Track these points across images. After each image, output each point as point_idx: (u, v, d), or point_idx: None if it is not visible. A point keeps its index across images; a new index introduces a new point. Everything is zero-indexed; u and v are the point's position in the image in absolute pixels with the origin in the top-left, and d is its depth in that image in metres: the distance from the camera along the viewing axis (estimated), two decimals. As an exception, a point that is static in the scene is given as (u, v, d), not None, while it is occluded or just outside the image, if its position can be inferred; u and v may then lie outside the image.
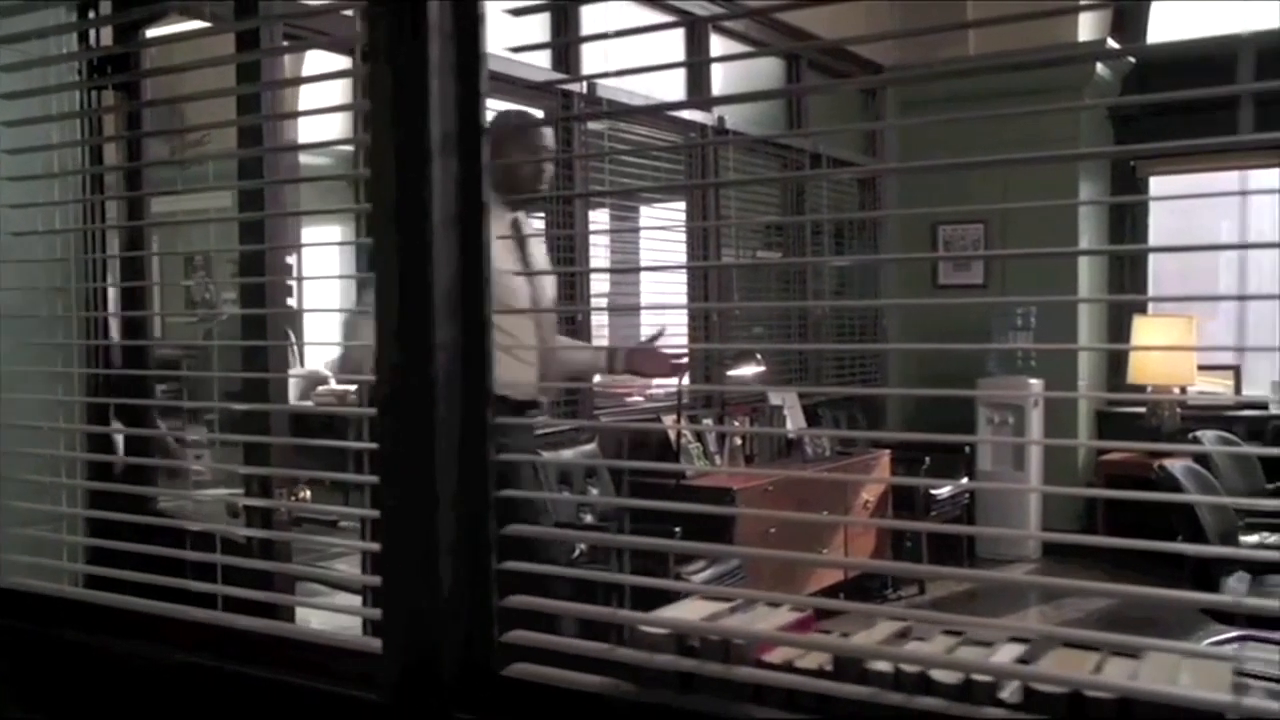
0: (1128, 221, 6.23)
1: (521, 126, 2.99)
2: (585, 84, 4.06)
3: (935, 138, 5.41)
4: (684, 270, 4.86)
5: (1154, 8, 6.16)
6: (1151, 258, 6.49)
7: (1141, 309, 6.08)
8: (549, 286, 3.06)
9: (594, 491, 3.81)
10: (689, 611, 1.32)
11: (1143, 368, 5.73)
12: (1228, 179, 6.01)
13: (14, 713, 1.66)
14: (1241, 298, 7.70)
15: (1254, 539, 3.84)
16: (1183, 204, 6.59)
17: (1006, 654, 1.13)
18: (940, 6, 5.45)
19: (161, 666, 1.45)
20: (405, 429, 1.25)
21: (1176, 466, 3.39)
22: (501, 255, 2.86)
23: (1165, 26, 6.14)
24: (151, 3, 2.15)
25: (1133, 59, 6.01)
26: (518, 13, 1.30)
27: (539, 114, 3.94)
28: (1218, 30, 5.54)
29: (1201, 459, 3.97)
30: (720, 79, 5.08)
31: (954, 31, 5.93)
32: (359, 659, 1.31)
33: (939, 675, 1.10)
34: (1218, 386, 6.09)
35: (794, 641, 1.21)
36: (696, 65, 4.76)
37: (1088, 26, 5.94)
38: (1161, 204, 6.79)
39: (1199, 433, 4.53)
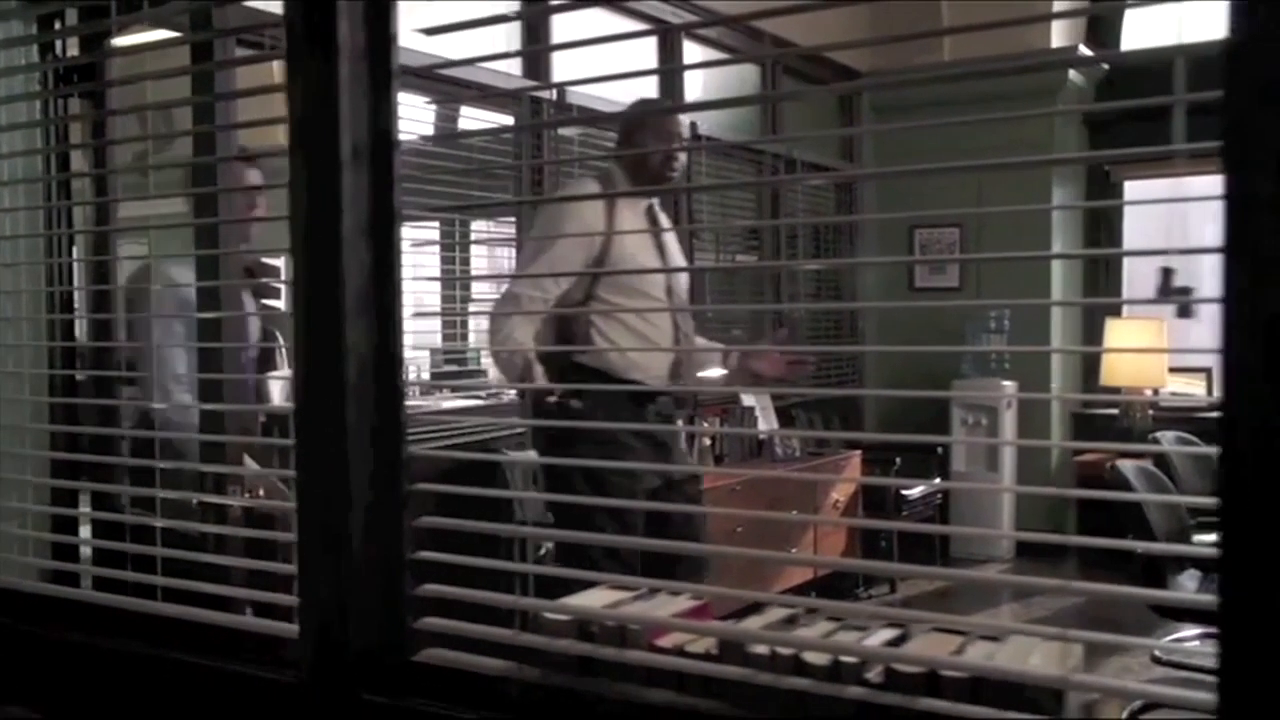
0: (1102, 226, 6.31)
1: (652, 114, 3.04)
2: (555, 91, 4.13)
3: (910, 143, 5.48)
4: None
5: (1128, 15, 6.24)
6: (1128, 261, 6.56)
7: (1116, 312, 6.15)
8: (683, 277, 3.12)
9: (562, 491, 3.87)
10: (593, 599, 1.39)
11: (1114, 370, 5.81)
12: (1202, 184, 6.09)
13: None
14: (1198, 301, 7.73)
15: (1212, 538, 3.90)
16: (1162, 208, 6.69)
17: (878, 638, 1.21)
18: (916, 13, 5.55)
19: (92, 652, 1.52)
20: (319, 426, 1.33)
21: (1129, 467, 3.46)
22: (636, 245, 2.94)
23: (1138, 33, 6.22)
24: (118, 13, 2.22)
25: (1105, 65, 6.09)
26: (431, 32, 1.37)
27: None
28: (1189, 37, 5.61)
29: (1160, 460, 4.04)
30: (695, 85, 5.15)
31: (930, 38, 6.00)
32: (278, 644, 1.39)
33: (811, 657, 1.18)
34: (1192, 388, 6.17)
35: (681, 626, 1.28)
36: (669, 72, 4.84)
37: (1061, 33, 6.01)
38: (1139, 208, 6.87)
39: (1158, 434, 4.60)
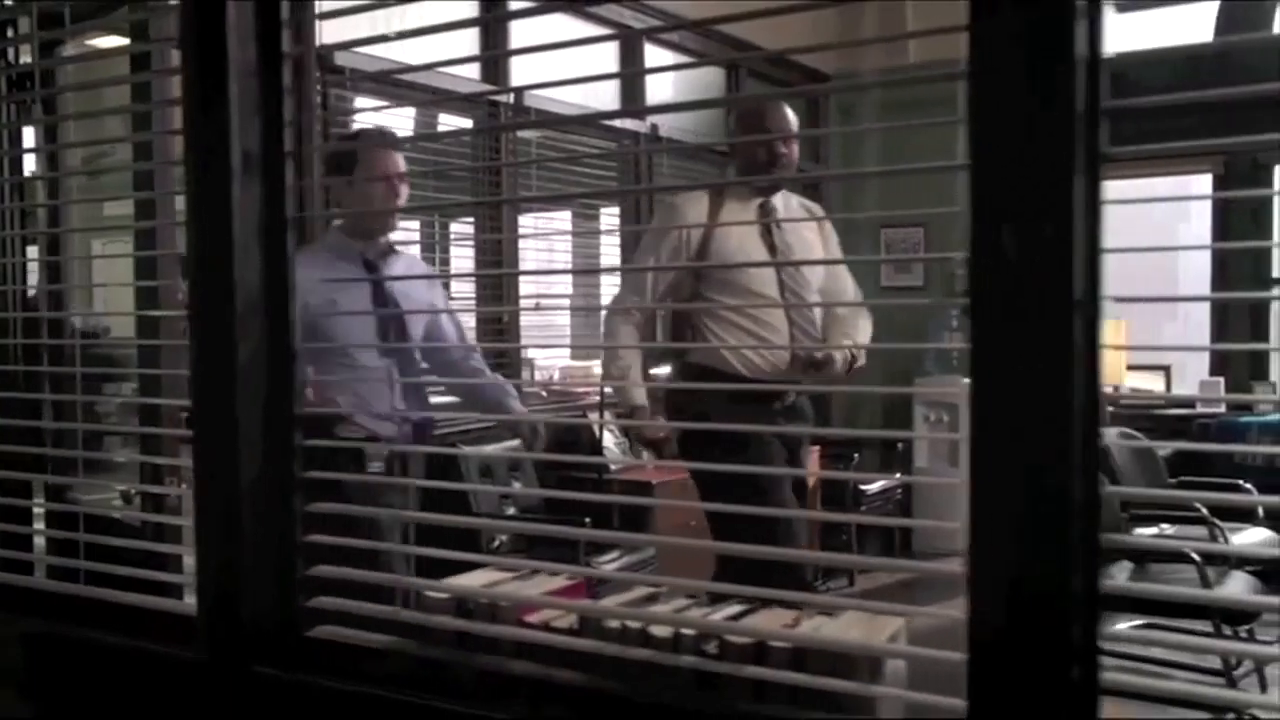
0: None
1: (756, 112, 3.11)
2: (513, 95, 4.23)
3: (874, 143, 5.58)
4: (615, 273, 5.02)
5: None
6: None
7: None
8: (811, 272, 3.12)
9: (517, 485, 3.97)
10: (477, 579, 1.49)
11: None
12: (1167, 184, 6.21)
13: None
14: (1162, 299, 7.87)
15: (1153, 530, 4.00)
16: (1135, 207, 6.76)
17: (721, 614, 1.30)
18: (882, 16, 5.64)
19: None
20: (213, 419, 1.42)
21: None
22: (740, 241, 3.01)
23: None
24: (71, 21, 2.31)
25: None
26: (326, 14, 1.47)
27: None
28: (1154, 42, 5.71)
29: (1103, 455, 4.14)
30: (659, 87, 5.24)
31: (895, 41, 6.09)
32: (180, 621, 1.49)
33: (657, 630, 1.27)
34: (1153, 384, 6.28)
35: (541, 603, 1.38)
36: (631, 76, 4.93)
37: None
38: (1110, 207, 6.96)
39: (1101, 430, 4.69)
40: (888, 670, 1.20)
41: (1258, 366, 6.05)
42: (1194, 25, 6.08)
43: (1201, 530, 3.68)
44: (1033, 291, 0.94)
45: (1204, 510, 3.64)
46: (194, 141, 1.39)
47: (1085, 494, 0.94)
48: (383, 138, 2.83)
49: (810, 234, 3.18)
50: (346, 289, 2.53)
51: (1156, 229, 6.41)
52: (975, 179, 0.96)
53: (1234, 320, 5.93)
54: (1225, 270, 5.87)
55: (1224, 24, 6.05)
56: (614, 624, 1.30)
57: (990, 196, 0.96)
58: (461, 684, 1.36)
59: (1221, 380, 5.98)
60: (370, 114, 4.05)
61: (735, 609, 1.31)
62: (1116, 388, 5.98)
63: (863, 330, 3.18)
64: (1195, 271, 6.17)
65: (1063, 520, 0.94)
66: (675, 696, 1.23)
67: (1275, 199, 5.83)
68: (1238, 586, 3.37)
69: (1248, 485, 3.92)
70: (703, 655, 1.24)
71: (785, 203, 3.16)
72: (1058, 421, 0.93)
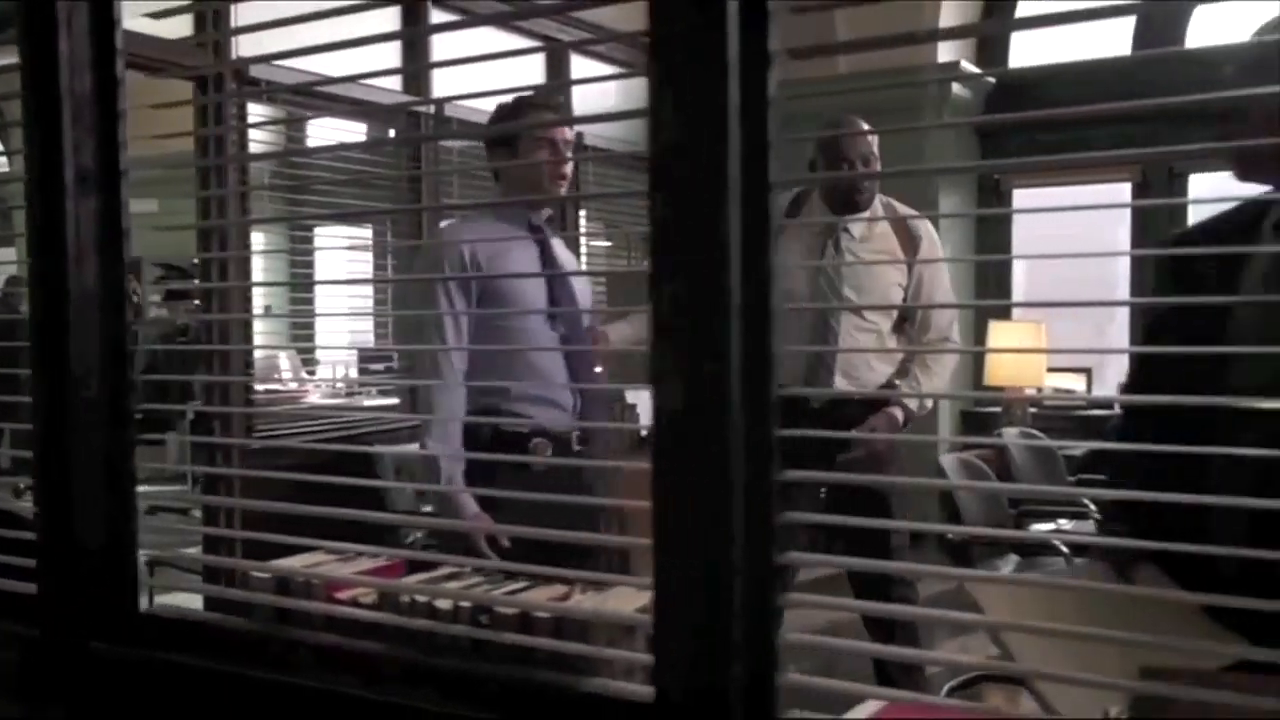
0: (991, 232, 6.60)
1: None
2: (435, 106, 4.36)
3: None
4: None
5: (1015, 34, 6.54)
6: (1019, 267, 6.85)
7: (1004, 315, 6.44)
8: (876, 284, 3.19)
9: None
10: (303, 561, 1.63)
11: (996, 370, 6.09)
12: (1082, 193, 6.40)
13: None
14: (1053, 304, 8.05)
15: (1050, 526, 4.17)
16: (1051, 214, 6.97)
17: (502, 590, 1.45)
18: (815, 29, 5.80)
19: None
20: (54, 414, 1.56)
21: (949, 461, 3.73)
22: (799, 251, 3.12)
23: (1026, 50, 6.52)
24: None
25: (991, 79, 6.38)
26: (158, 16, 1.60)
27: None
28: (1074, 54, 5.90)
29: (1001, 453, 4.32)
30: (587, 97, 5.38)
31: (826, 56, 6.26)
32: (21, 599, 1.61)
33: (441, 604, 1.42)
34: (1075, 386, 6.48)
35: (351, 581, 1.52)
36: (558, 87, 5.07)
37: (947, 50, 6.29)
38: (1028, 215, 7.16)
39: (1002, 429, 4.88)
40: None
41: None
42: (1113, 38, 6.28)
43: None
44: (673, 299, 1.08)
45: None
46: (30, 161, 1.52)
47: (751, 478, 1.08)
48: (547, 106, 2.76)
49: (892, 250, 3.21)
50: (512, 254, 2.53)
51: (1092, 234, 6.58)
52: (651, 204, 1.09)
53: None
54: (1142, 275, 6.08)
55: (1141, 35, 6.27)
56: (406, 599, 1.44)
57: (664, 220, 1.09)
58: (282, 655, 1.49)
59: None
60: (266, 126, 4.16)
61: (519, 584, 1.46)
62: (1039, 389, 6.18)
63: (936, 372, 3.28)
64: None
65: (725, 503, 1.07)
66: (454, 661, 1.37)
67: (1190, 208, 6.06)
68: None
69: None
70: (478, 625, 1.38)
71: (875, 223, 3.20)
72: (720, 419, 1.07)
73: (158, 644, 1.55)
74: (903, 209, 3.38)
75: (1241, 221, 1.53)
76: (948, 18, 6.18)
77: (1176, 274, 1.62)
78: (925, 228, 3.34)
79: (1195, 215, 1.48)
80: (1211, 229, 1.60)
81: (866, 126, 3.14)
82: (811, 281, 3.19)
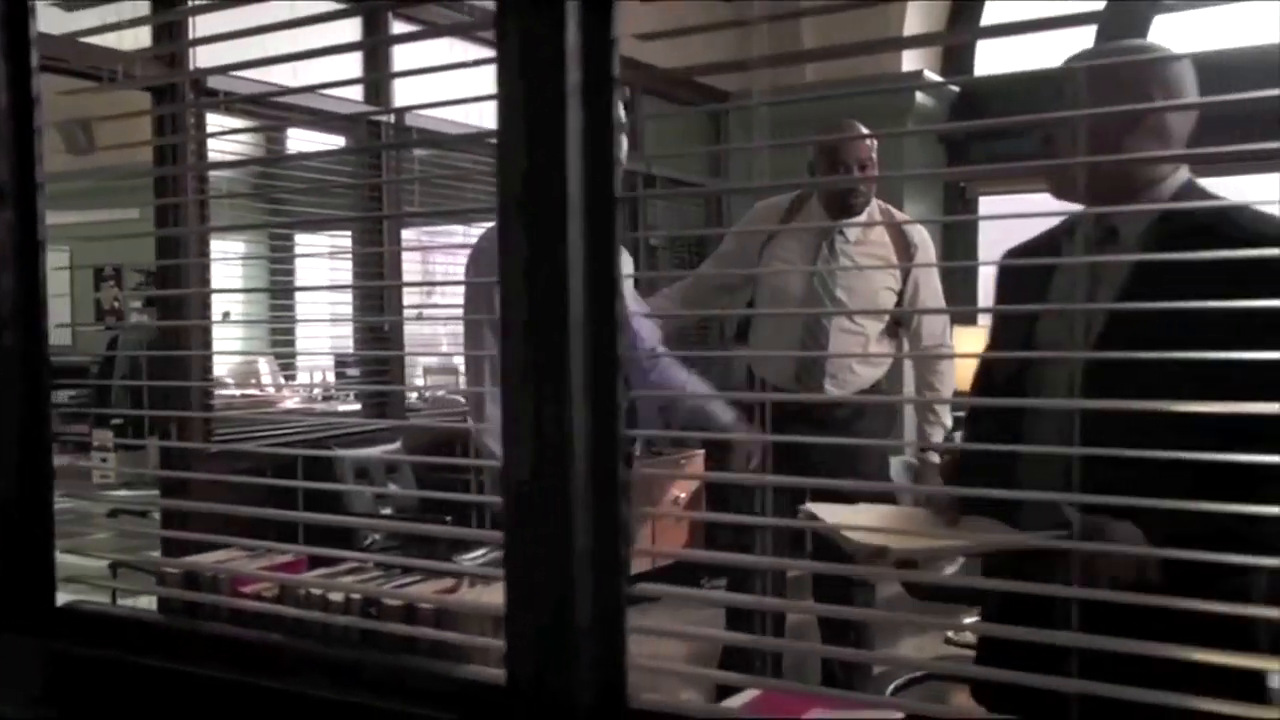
0: (959, 239, 6.68)
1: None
2: (394, 115, 4.44)
3: (776, 161, 5.83)
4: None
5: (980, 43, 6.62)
6: (985, 273, 6.94)
7: (970, 321, 6.52)
8: (866, 287, 3.30)
9: (392, 486, 4.18)
10: (219, 556, 1.70)
11: (962, 377, 6.17)
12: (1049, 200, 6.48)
13: None
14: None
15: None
16: (1015, 221, 7.06)
17: (395, 583, 1.52)
18: (778, 36, 5.89)
19: None
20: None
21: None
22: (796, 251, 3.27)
23: (991, 58, 6.61)
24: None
25: (956, 88, 6.46)
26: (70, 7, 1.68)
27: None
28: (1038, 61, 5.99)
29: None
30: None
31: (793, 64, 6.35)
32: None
33: (334, 596, 1.49)
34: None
35: (254, 575, 1.59)
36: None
37: (911, 59, 6.38)
38: (993, 222, 7.24)
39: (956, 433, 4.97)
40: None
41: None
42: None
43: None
44: (535, 306, 1.15)
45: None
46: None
47: (597, 471, 1.15)
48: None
49: (889, 261, 3.30)
50: None
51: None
52: (500, 209, 1.17)
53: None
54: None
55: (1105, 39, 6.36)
56: (302, 592, 1.52)
57: (511, 226, 1.17)
58: (187, 645, 1.57)
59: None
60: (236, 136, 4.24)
61: (410, 578, 1.53)
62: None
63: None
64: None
65: (566, 499, 1.14)
66: (344, 650, 1.44)
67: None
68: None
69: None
70: (367, 615, 1.45)
71: (870, 226, 3.28)
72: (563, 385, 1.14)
73: (72, 636, 1.63)
74: (900, 216, 3.47)
75: (1055, 235, 1.71)
76: (912, 26, 6.27)
77: (1004, 285, 1.81)
78: (921, 234, 3.40)
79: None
80: (1032, 245, 1.75)
81: (865, 130, 3.24)
82: (805, 282, 3.26)
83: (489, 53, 1.18)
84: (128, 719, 1.57)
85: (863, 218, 3.31)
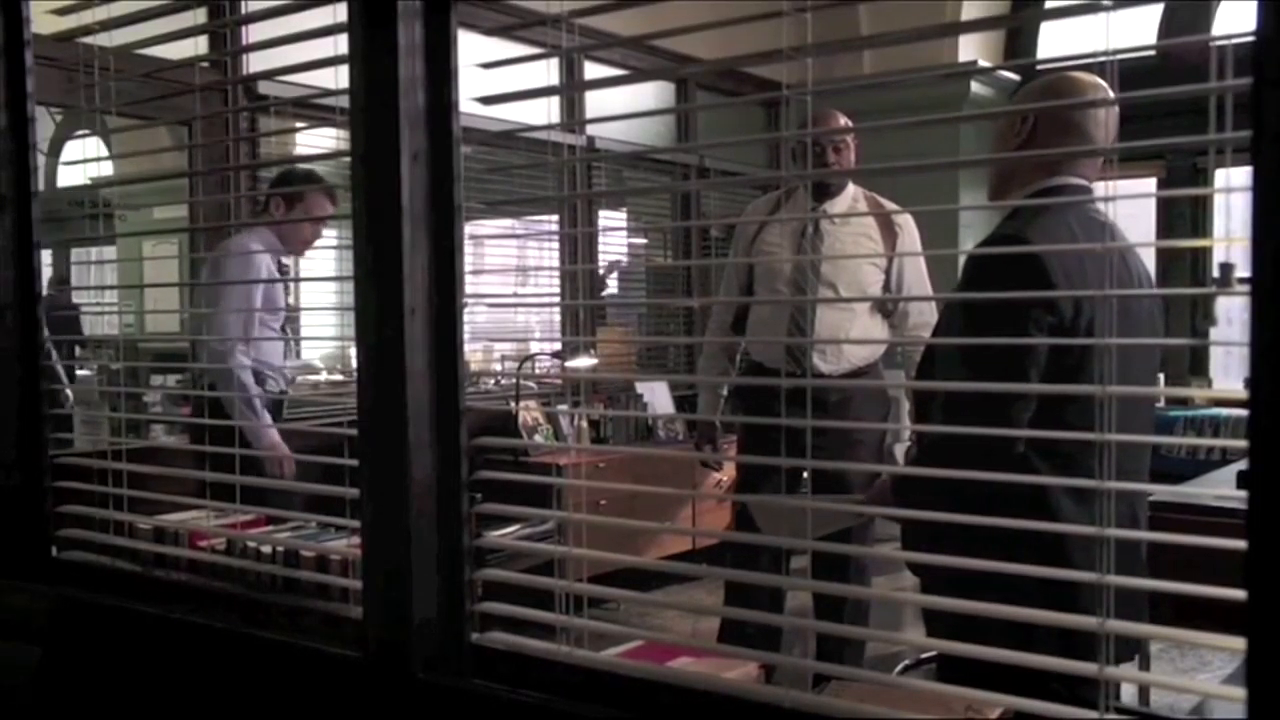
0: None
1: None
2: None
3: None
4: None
5: (1044, 27, 6.58)
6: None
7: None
8: (849, 263, 3.42)
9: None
10: (185, 516, 1.95)
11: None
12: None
13: None
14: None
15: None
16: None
17: (337, 543, 1.74)
18: (835, 27, 5.97)
19: None
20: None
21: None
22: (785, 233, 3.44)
23: (1056, 44, 6.56)
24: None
25: (1016, 76, 6.44)
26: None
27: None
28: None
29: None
30: (600, 102, 5.61)
31: (850, 53, 6.42)
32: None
33: (265, 548, 1.72)
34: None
35: (210, 531, 1.83)
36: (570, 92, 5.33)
37: (968, 48, 6.38)
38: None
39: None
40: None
41: (1197, 363, 6.26)
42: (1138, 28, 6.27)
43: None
44: (381, 296, 1.35)
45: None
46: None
47: (441, 443, 1.35)
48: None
49: (870, 239, 3.42)
50: None
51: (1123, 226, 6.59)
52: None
53: (1174, 318, 6.13)
54: (1167, 269, 6.11)
55: (1166, 26, 6.26)
56: (247, 544, 1.75)
57: (369, 225, 1.36)
58: (152, 591, 1.81)
59: (1162, 375, 6.18)
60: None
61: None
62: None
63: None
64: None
65: (403, 471, 1.34)
66: (273, 595, 1.67)
67: (1216, 198, 6.02)
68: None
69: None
70: (291, 566, 1.68)
71: (851, 207, 3.43)
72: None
73: (74, 582, 1.89)
74: (888, 205, 3.56)
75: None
76: (971, 14, 6.28)
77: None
78: (905, 219, 3.52)
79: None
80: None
81: (845, 121, 3.35)
82: (793, 261, 3.39)
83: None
84: (114, 655, 1.83)
85: (845, 199, 3.43)
